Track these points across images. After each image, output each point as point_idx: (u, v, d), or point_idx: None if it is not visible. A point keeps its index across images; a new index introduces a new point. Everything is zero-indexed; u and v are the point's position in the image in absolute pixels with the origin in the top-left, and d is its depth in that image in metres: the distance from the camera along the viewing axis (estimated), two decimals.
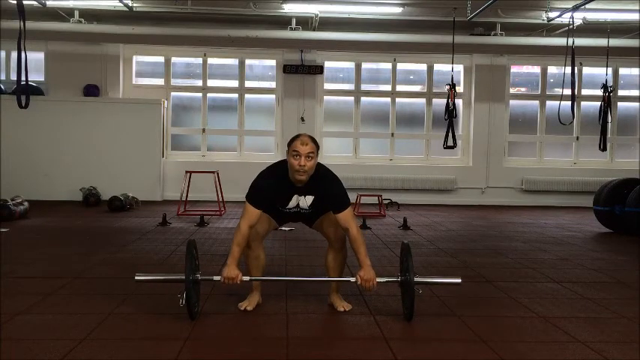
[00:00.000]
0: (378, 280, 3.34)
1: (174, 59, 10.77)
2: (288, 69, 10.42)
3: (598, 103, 8.72)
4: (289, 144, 3.37)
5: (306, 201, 3.47)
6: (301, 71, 10.40)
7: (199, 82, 10.82)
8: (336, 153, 10.46)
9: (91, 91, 10.17)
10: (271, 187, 3.42)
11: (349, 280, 3.41)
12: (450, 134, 8.95)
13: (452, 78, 8.92)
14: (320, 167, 3.44)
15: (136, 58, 10.72)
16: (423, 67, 11.00)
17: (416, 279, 3.25)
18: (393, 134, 10.89)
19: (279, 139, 10.37)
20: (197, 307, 3.39)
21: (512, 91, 11.15)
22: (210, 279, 3.41)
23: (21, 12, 5.04)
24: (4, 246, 5.51)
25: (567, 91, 7.59)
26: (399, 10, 9.16)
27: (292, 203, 3.48)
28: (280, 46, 10.18)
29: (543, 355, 2.88)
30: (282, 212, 3.57)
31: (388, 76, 10.96)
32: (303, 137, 3.36)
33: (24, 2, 5.20)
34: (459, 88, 10.64)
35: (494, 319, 3.47)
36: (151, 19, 9.73)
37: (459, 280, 3.55)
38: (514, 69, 11.17)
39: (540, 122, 11.09)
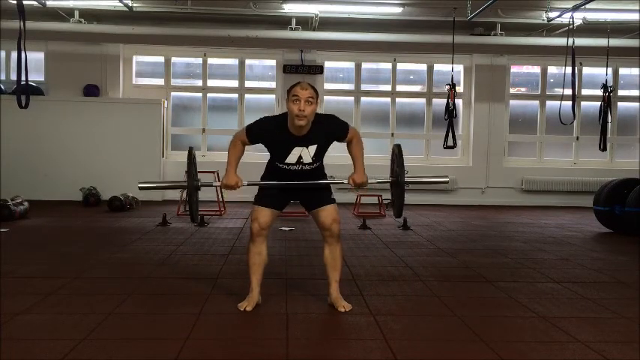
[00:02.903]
0: (371, 181, 3.60)
1: (174, 59, 10.77)
2: (288, 69, 10.42)
3: (598, 103, 8.74)
4: (289, 90, 3.38)
5: (309, 152, 3.44)
6: (301, 71, 10.39)
7: (199, 82, 10.82)
8: (336, 153, 10.43)
9: (91, 91, 10.17)
10: (268, 132, 3.44)
11: (342, 182, 3.63)
12: (450, 134, 8.97)
13: (452, 78, 8.94)
14: (317, 114, 3.45)
15: (136, 58, 10.72)
16: (423, 67, 11.00)
17: (406, 178, 3.54)
18: (393, 134, 10.89)
19: None
20: (197, 211, 3.62)
21: (512, 91, 11.16)
22: (209, 184, 3.64)
23: (21, 12, 5.05)
24: (4, 246, 5.50)
25: (568, 91, 7.60)
26: (399, 10, 9.16)
27: (293, 158, 3.44)
28: (280, 46, 10.18)
29: (543, 355, 2.88)
30: (284, 174, 3.50)
31: (388, 76, 10.97)
32: (302, 83, 3.40)
33: (24, 2, 5.20)
34: (459, 88, 10.64)
35: (494, 319, 3.47)
36: (151, 19, 9.73)
37: (447, 179, 3.92)
38: (514, 69, 11.17)
39: (540, 122, 11.09)
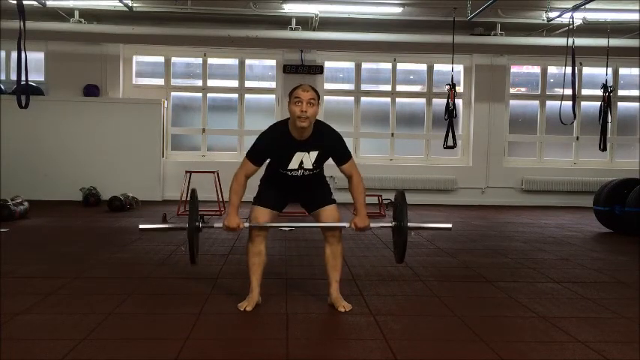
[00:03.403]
0: (373, 225, 3.57)
1: (174, 59, 10.77)
2: (288, 69, 10.42)
3: (598, 103, 8.73)
4: (290, 93, 3.38)
5: (310, 158, 3.43)
6: (301, 71, 10.39)
7: (199, 82, 10.82)
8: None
9: (91, 91, 10.17)
10: (273, 141, 3.42)
11: (345, 226, 3.57)
12: (450, 134, 8.96)
13: (452, 78, 8.94)
14: (322, 123, 3.46)
15: (136, 58, 10.72)
16: (423, 67, 11.00)
17: (409, 224, 3.46)
18: (393, 134, 10.89)
19: None
20: (197, 253, 3.59)
21: (512, 91, 11.15)
22: (211, 226, 3.62)
23: (21, 12, 5.04)
24: (4, 246, 5.50)
25: (568, 91, 7.60)
26: (399, 10, 9.16)
27: (295, 164, 3.43)
28: (280, 46, 10.18)
29: (543, 355, 2.88)
30: (284, 179, 3.50)
31: (388, 76, 10.97)
32: (304, 85, 3.40)
33: (24, 2, 5.20)
34: (459, 88, 10.64)
35: (494, 319, 3.47)
36: (151, 19, 9.73)
37: (450, 225, 3.79)
38: (514, 69, 11.17)
39: (540, 122, 11.09)
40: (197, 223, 3.49)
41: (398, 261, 3.63)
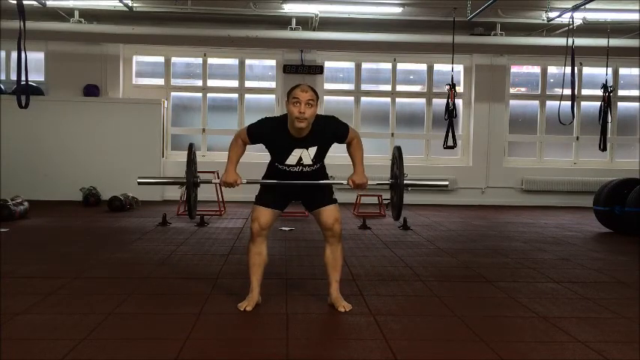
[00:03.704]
0: (370, 182, 3.59)
1: (174, 59, 10.77)
2: (288, 69, 10.42)
3: (598, 103, 8.74)
4: (289, 93, 3.37)
5: (309, 154, 3.44)
6: (301, 71, 10.39)
7: (199, 82, 10.82)
8: (336, 153, 10.45)
9: (91, 91, 10.17)
10: (272, 130, 3.44)
11: (342, 183, 3.62)
12: (450, 134, 8.97)
13: (452, 78, 8.94)
14: (318, 117, 3.45)
15: (136, 58, 10.72)
16: (423, 67, 11.00)
17: (406, 181, 3.54)
18: (393, 134, 10.89)
19: None
20: (195, 208, 3.71)
21: (512, 91, 11.15)
22: (208, 181, 3.66)
23: (21, 12, 5.05)
24: (4, 246, 5.50)
25: (567, 91, 7.60)
26: (399, 10, 9.16)
27: (293, 159, 3.44)
28: (280, 46, 10.18)
29: (543, 355, 2.88)
30: (284, 176, 3.51)
31: (388, 76, 10.97)
32: (303, 85, 3.40)
33: (24, 2, 5.20)
34: (459, 88, 10.64)
35: (494, 319, 3.47)
36: (151, 19, 9.73)
37: (447, 183, 3.98)
38: (514, 69, 11.17)
39: (540, 122, 11.09)
40: (195, 178, 3.56)
41: (395, 217, 3.78)
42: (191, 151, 3.65)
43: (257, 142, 3.50)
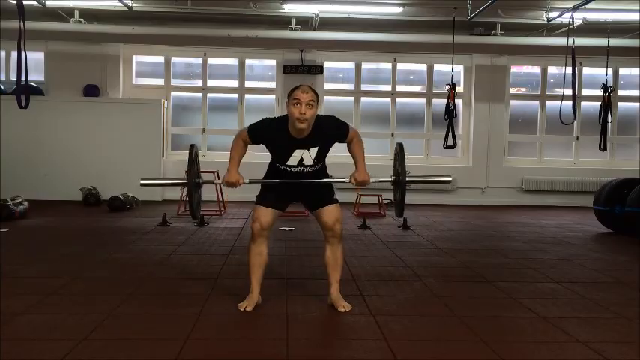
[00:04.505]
0: (372, 180, 3.59)
1: (174, 59, 10.77)
2: (288, 69, 10.42)
3: (598, 103, 8.74)
4: (289, 94, 3.36)
5: (310, 154, 3.44)
6: (301, 71, 10.39)
7: (199, 82, 10.82)
8: (336, 153, 10.46)
9: (91, 91, 10.17)
10: (272, 131, 3.44)
11: (344, 181, 3.60)
12: (450, 134, 8.97)
13: (452, 78, 8.94)
14: (319, 117, 3.45)
15: (136, 58, 10.72)
16: (423, 67, 11.00)
17: (408, 177, 3.54)
18: (393, 134, 10.89)
19: None
20: (199, 209, 3.68)
21: (512, 91, 11.15)
22: (211, 182, 3.65)
23: (21, 12, 5.04)
24: (4, 246, 5.51)
25: (568, 91, 7.60)
26: (399, 10, 9.16)
27: (294, 160, 3.44)
28: (280, 46, 10.18)
29: (543, 355, 2.88)
30: (285, 176, 3.50)
31: (388, 76, 10.96)
32: (303, 86, 3.39)
33: (24, 2, 5.20)
34: (459, 88, 10.63)
35: (494, 319, 3.47)
36: (151, 19, 9.73)
37: (450, 178, 3.93)
38: (514, 69, 11.17)
39: (540, 122, 11.09)
40: (197, 180, 3.57)
41: (398, 215, 3.78)
42: (193, 152, 3.64)
43: (258, 142, 3.50)
